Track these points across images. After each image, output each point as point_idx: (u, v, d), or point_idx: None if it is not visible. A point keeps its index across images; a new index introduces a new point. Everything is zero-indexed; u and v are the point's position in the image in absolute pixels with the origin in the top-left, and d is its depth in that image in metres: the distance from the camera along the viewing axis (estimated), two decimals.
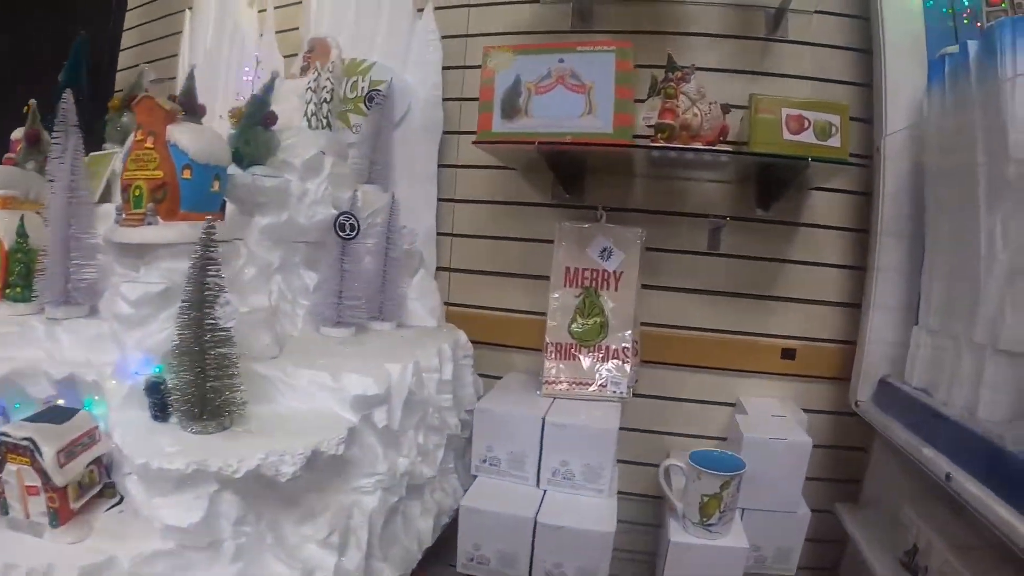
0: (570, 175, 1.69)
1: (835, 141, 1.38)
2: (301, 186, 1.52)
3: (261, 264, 1.43)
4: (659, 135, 1.40)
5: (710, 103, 1.41)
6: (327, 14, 1.96)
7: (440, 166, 1.82)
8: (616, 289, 1.62)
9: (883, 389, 1.55)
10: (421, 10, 1.84)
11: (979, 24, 1.46)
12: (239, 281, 1.32)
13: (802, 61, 1.66)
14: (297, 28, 2.05)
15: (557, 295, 1.63)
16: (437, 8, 1.85)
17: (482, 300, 1.83)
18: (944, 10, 1.54)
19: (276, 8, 2.12)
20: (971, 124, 1.30)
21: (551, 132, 1.41)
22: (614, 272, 1.61)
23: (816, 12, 1.64)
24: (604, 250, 1.61)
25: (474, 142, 1.48)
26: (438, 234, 1.84)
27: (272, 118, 1.50)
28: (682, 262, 1.70)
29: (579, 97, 1.40)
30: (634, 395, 1.62)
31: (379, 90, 1.79)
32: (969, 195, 1.31)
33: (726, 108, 1.43)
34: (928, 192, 1.48)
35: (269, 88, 1.51)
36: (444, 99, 1.80)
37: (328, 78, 1.70)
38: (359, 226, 1.53)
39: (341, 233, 1.51)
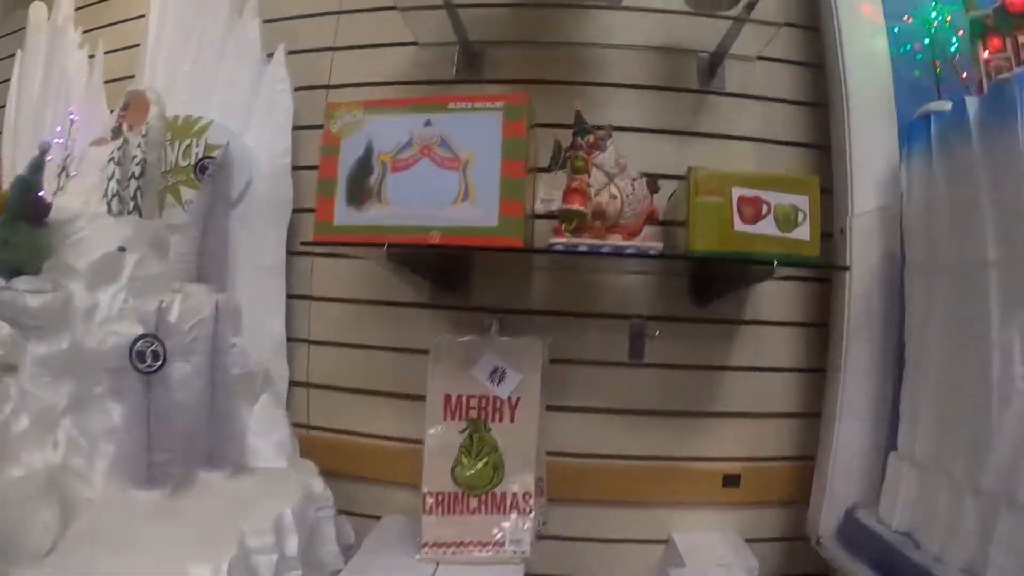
0: (449, 271, 1.25)
1: (803, 232, 0.99)
2: (89, 298, 1.06)
3: (39, 408, 0.98)
4: (564, 225, 0.98)
5: (632, 179, 1.01)
6: (162, 59, 1.48)
7: (291, 254, 1.35)
8: (512, 420, 1.17)
9: (851, 525, 1.15)
10: (271, 54, 1.40)
11: (964, 75, 1.12)
12: (4, 437, 0.92)
13: (744, 118, 1.29)
14: (133, 76, 1.56)
15: (435, 430, 1.18)
16: (292, 52, 1.40)
17: (349, 423, 1.36)
18: (917, 57, 1.19)
19: (107, 53, 1.64)
20: (975, 204, 0.95)
21: (411, 226, 0.97)
22: (509, 399, 1.17)
23: (759, 59, 1.28)
24: (495, 371, 1.17)
25: (303, 242, 1.03)
26: (290, 340, 1.36)
27: (41, 209, 1.05)
28: (597, 376, 1.28)
29: (451, 175, 0.97)
30: (540, 538, 1.18)
31: (212, 157, 1.32)
32: (972, 297, 0.95)
33: (653, 185, 1.03)
34: (911, 287, 1.11)
35: (36, 166, 1.04)
36: (296, 167, 1.35)
37: (140, 144, 1.22)
38: (164, 353, 1.06)
39: (140, 365, 1.04)
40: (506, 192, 0.94)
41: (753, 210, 0.97)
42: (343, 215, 1.03)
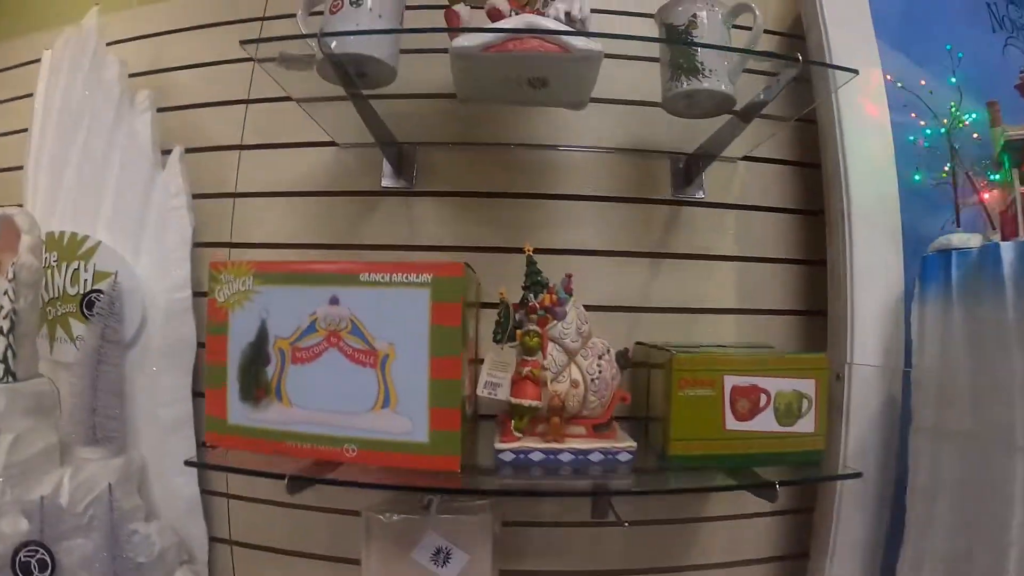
0: None
1: (807, 423, 0.79)
2: None
3: None
4: (514, 422, 0.77)
5: (599, 357, 0.79)
6: (46, 156, 1.19)
7: (199, 395, 1.10)
8: None
9: None
10: (168, 152, 1.14)
11: (985, 195, 0.92)
12: None
13: (725, 231, 1.08)
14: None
15: None
16: (190, 150, 1.15)
17: None
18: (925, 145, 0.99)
19: None
20: (1006, 374, 0.77)
21: (321, 436, 0.75)
22: None
23: (744, 159, 1.07)
24: (439, 552, 0.96)
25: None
26: (206, 493, 1.12)
27: None
28: (559, 538, 1.07)
29: (367, 374, 0.74)
30: None
31: (100, 291, 1.07)
32: (990, 483, 0.78)
33: (624, 360, 0.81)
34: (917, 453, 0.91)
35: None
36: (199, 293, 1.10)
37: (8, 291, 0.97)
38: (53, 560, 0.91)
39: None
40: (437, 398, 0.72)
41: (750, 403, 0.77)
42: (237, 412, 0.80)
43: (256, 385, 0.79)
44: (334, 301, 0.76)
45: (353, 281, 0.76)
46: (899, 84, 1.00)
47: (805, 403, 0.79)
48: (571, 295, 0.81)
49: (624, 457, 0.77)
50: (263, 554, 1.13)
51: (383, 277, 0.75)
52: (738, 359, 0.77)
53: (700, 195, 1.06)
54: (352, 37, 0.82)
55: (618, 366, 0.80)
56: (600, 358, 0.79)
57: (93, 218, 1.12)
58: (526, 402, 0.75)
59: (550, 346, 0.79)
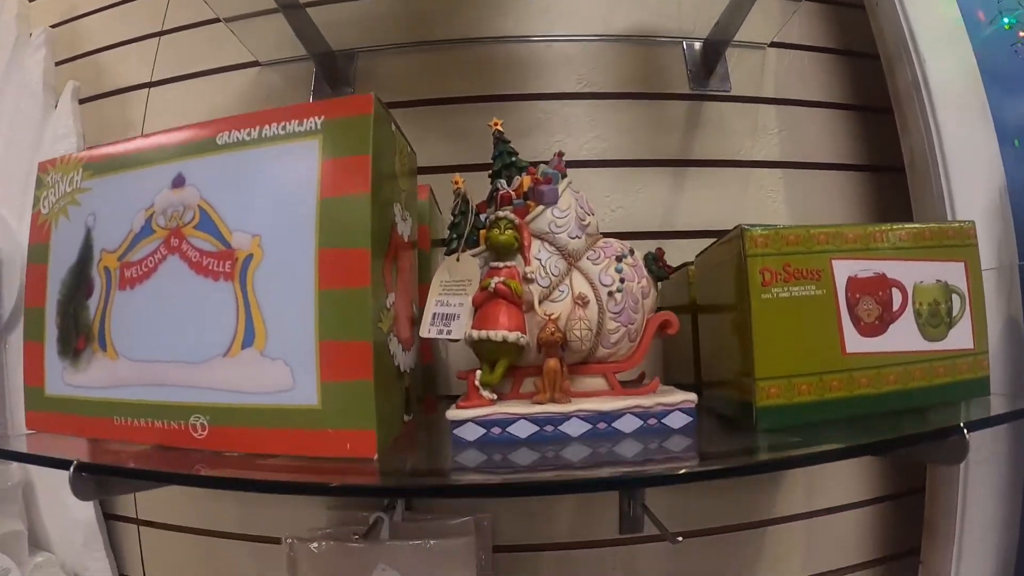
0: None
1: (961, 334, 0.41)
2: None
3: None
4: (480, 373, 0.39)
5: (618, 259, 0.42)
6: None
7: None
8: None
9: None
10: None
11: None
12: None
13: (761, 133, 0.71)
14: None
15: None
16: (95, 97, 0.81)
17: None
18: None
19: None
20: None
21: (157, 404, 0.38)
22: None
23: (771, 45, 0.71)
24: None
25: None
26: (112, 519, 0.73)
27: None
28: (575, 561, 0.65)
29: (219, 292, 0.37)
30: None
31: None
32: None
33: (659, 265, 0.43)
34: None
35: None
36: None
37: None
38: None
39: None
40: (330, 325, 0.34)
41: (878, 304, 0.39)
42: (55, 377, 0.43)
43: (76, 330, 0.42)
44: (179, 182, 0.40)
45: (207, 148, 0.40)
46: None
47: (956, 301, 0.41)
48: (565, 176, 0.44)
49: (679, 419, 0.38)
50: None
51: (249, 134, 0.38)
52: (851, 232, 0.39)
53: (726, 88, 0.70)
54: None
55: (650, 275, 0.42)
56: (619, 260, 0.41)
57: None
58: (497, 334, 0.37)
59: (535, 245, 0.41)
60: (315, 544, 0.56)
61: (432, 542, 0.55)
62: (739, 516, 0.65)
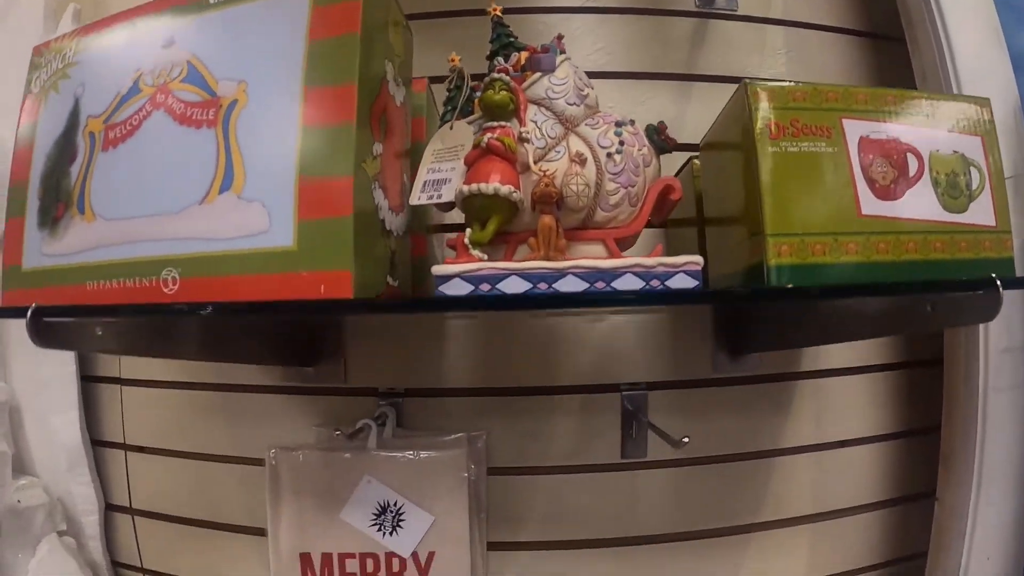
0: (290, 327, 0.60)
1: (982, 209, 0.39)
2: None
3: None
4: (471, 231, 0.37)
5: (616, 123, 0.40)
6: None
7: None
8: None
9: None
10: None
11: None
12: None
13: (767, 52, 0.69)
14: None
15: None
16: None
17: (193, 570, 0.70)
18: None
19: None
20: None
21: (130, 261, 0.36)
22: (415, 556, 0.54)
23: None
24: (384, 512, 0.54)
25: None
26: (100, 445, 0.72)
27: None
28: (573, 487, 0.63)
29: (201, 139, 0.35)
30: None
31: None
32: None
33: (661, 136, 0.41)
34: None
35: None
36: None
37: None
38: None
39: None
40: (310, 163, 0.33)
41: (893, 168, 0.37)
42: (33, 250, 0.42)
43: (57, 198, 0.41)
44: (168, 42, 0.38)
45: (199, 7, 0.38)
46: None
47: (975, 176, 0.39)
48: (564, 53, 0.42)
49: (683, 282, 0.36)
50: (168, 526, 0.71)
51: None
52: (862, 93, 0.37)
53: (733, 7, 0.68)
54: None
55: (651, 146, 0.40)
56: (619, 126, 0.40)
57: None
58: (488, 187, 0.36)
59: (531, 110, 0.40)
60: (299, 453, 0.54)
61: (423, 454, 0.53)
62: (744, 445, 0.63)
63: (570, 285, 0.36)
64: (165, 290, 0.35)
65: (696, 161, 0.50)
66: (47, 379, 0.70)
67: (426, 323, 0.60)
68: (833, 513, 0.65)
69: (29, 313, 0.33)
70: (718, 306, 0.60)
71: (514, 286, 0.36)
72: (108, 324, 0.37)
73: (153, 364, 0.70)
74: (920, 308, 0.35)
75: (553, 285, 0.36)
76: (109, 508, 0.72)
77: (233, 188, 0.34)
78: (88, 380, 0.73)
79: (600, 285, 0.36)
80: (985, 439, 0.60)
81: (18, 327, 0.69)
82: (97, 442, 0.73)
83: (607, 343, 0.61)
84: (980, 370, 0.58)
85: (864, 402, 0.66)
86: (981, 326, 0.58)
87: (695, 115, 0.65)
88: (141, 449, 0.71)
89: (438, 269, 0.36)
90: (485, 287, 0.36)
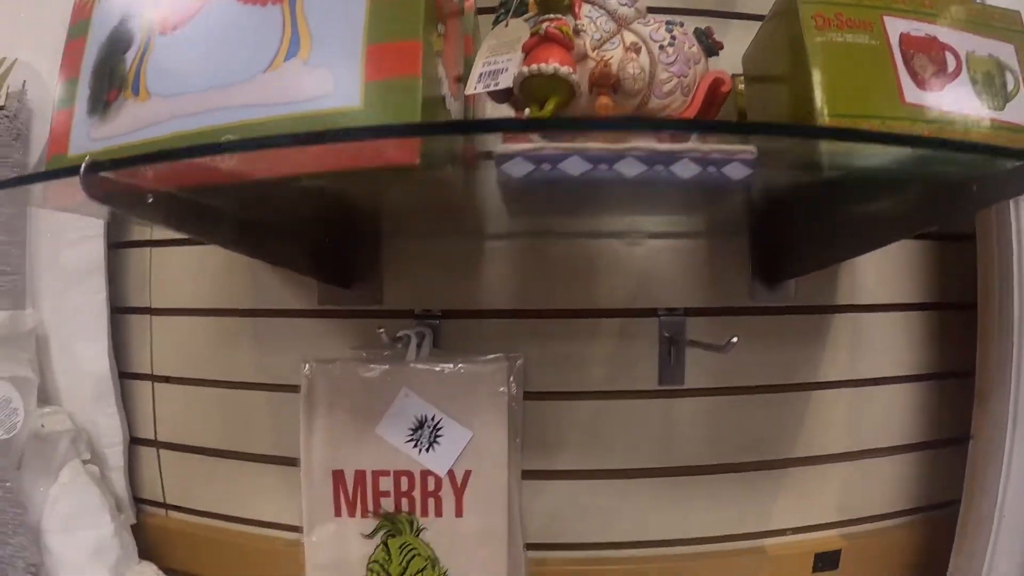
0: (332, 244, 0.60)
1: (1019, 109, 0.41)
2: None
3: None
4: (530, 111, 0.38)
5: (667, 22, 0.42)
6: None
7: (115, 246, 0.72)
8: (459, 512, 0.55)
9: None
10: None
11: None
12: None
13: None
14: None
15: (319, 536, 0.55)
16: None
17: (214, 502, 0.71)
18: None
19: None
20: None
21: (186, 133, 0.36)
22: (451, 474, 0.55)
23: None
24: (421, 426, 0.55)
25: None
26: (126, 376, 0.72)
27: None
28: (607, 415, 0.64)
29: (268, 15, 0.36)
30: None
31: (2, 107, 0.71)
32: None
33: (709, 39, 0.43)
34: None
35: None
36: None
37: None
38: None
39: None
40: (380, 28, 0.34)
41: (932, 63, 0.39)
42: (80, 136, 0.42)
43: (110, 84, 0.41)
44: None
45: None
46: None
47: (1010, 79, 0.41)
48: None
49: (738, 170, 0.38)
50: (194, 458, 0.71)
51: None
52: None
53: None
54: None
55: (700, 46, 0.42)
56: (669, 24, 0.41)
57: (12, 40, 0.78)
58: (548, 67, 0.37)
59: (585, 7, 0.41)
60: (335, 365, 0.55)
61: (462, 367, 0.54)
62: (780, 376, 0.64)
63: (629, 166, 0.37)
64: (220, 163, 0.36)
65: (738, 82, 0.51)
66: (77, 307, 0.71)
67: (463, 245, 0.61)
68: (866, 452, 0.66)
69: (83, 167, 0.34)
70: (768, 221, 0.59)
71: (575, 166, 0.37)
72: (159, 195, 0.38)
73: (184, 290, 0.70)
74: (965, 189, 0.36)
75: (613, 167, 0.37)
76: (134, 442, 0.72)
77: (299, 55, 0.35)
78: (118, 312, 0.73)
79: (659, 168, 0.37)
80: (1021, 376, 0.61)
81: (48, 251, 0.71)
82: (124, 374, 0.73)
83: (645, 267, 0.62)
84: (1015, 305, 0.59)
85: (899, 342, 0.67)
86: (1015, 265, 0.59)
87: (734, 53, 0.66)
88: (167, 379, 0.71)
89: (500, 148, 0.37)
90: (547, 167, 0.37)
